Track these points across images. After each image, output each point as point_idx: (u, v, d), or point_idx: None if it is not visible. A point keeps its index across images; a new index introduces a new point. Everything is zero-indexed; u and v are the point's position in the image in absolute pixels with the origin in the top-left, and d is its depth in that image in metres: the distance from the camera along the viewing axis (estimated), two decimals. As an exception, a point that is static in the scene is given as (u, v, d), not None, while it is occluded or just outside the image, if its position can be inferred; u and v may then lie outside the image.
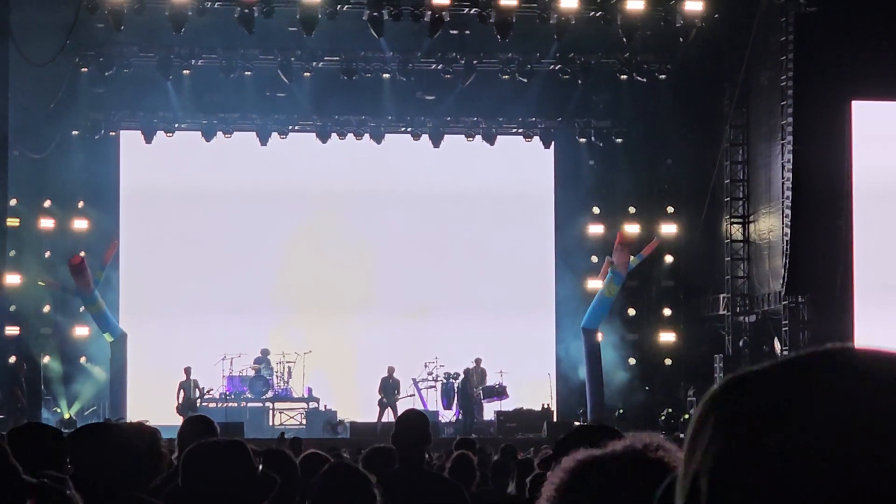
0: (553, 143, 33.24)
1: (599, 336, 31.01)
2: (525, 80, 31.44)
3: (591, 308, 30.87)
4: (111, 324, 30.33)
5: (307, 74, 31.08)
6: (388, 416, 28.56)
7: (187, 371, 29.78)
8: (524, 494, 9.05)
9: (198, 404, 29.07)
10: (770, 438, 1.19)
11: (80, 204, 31.43)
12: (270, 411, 30.71)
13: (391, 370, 30.15)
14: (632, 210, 33.12)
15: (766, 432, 1.20)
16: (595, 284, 31.42)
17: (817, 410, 1.19)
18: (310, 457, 8.39)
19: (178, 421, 27.50)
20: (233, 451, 4.87)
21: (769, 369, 1.25)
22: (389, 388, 29.98)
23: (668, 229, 33.09)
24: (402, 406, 27.69)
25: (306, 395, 31.06)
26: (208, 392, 29.99)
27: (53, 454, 5.76)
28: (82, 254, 30.04)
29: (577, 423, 25.96)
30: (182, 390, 29.63)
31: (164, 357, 30.83)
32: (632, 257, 30.65)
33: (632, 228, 32.69)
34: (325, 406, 30.65)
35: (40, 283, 30.14)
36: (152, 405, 29.59)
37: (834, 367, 1.23)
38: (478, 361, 30.44)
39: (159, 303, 31.37)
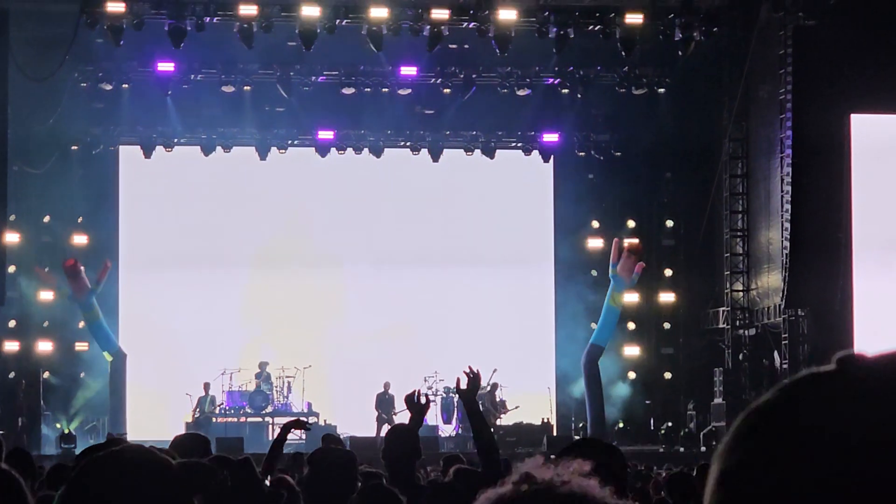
0: (552, 156, 33.22)
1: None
2: (524, 94, 31.46)
3: (600, 323, 30.85)
4: (110, 340, 30.27)
5: (306, 89, 31.11)
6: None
7: (206, 387, 29.90)
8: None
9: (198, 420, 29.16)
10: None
11: (80, 219, 31.38)
12: (270, 426, 30.63)
13: (387, 385, 30.10)
14: (631, 224, 33.08)
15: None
16: (597, 299, 31.38)
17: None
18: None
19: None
20: (241, 469, 4.83)
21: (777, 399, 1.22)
22: (386, 404, 29.90)
23: (668, 242, 33.09)
24: (401, 420, 27.57)
25: (306, 410, 30.96)
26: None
27: None
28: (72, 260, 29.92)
29: (576, 438, 25.92)
30: (199, 405, 29.76)
31: (163, 373, 30.83)
32: (636, 272, 30.51)
33: (631, 242, 32.75)
34: (325, 421, 30.55)
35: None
36: (152, 420, 29.59)
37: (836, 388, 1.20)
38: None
39: (159, 319, 31.33)
